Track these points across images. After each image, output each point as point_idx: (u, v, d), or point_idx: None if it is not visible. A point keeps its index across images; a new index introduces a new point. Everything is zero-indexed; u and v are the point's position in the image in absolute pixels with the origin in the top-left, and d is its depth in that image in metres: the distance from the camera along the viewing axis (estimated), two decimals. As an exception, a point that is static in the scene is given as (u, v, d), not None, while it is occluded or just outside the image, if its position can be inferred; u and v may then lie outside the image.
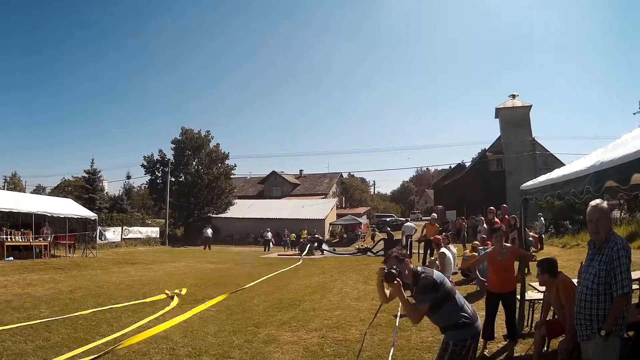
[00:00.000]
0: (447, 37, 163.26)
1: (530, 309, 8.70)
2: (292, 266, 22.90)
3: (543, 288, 7.15)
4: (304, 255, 29.21)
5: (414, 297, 4.67)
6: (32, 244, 24.63)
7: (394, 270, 4.51)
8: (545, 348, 6.65)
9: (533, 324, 8.11)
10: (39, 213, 25.02)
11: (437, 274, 4.64)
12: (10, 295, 13.19)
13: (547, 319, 6.92)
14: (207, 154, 53.73)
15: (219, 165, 54.30)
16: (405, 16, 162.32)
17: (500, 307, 7.59)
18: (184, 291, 11.79)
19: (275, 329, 9.47)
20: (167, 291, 13.29)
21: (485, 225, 20.87)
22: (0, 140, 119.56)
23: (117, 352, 7.57)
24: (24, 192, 55.92)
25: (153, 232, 45.54)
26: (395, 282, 4.48)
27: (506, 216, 17.32)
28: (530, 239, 17.64)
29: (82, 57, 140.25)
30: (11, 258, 22.60)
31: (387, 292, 4.73)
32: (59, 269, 19.97)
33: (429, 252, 19.09)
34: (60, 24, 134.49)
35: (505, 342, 7.60)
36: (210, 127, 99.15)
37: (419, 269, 4.68)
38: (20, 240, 24.49)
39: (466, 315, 4.56)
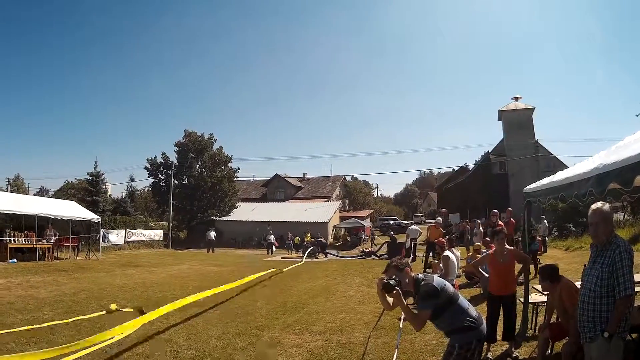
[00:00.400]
0: (451, 40, 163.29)
1: (534, 311, 8.69)
2: (293, 266, 23.01)
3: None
4: (305, 259, 29.23)
5: (416, 304, 4.71)
6: (35, 246, 24.60)
7: (392, 281, 4.56)
8: (549, 351, 6.63)
9: (537, 327, 8.13)
10: (42, 215, 25.05)
11: (437, 280, 4.67)
12: (14, 297, 13.23)
13: (551, 321, 6.94)
14: (211, 156, 53.88)
15: (222, 168, 54.40)
16: (408, 20, 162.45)
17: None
18: (113, 307, 11.51)
19: (279, 332, 9.52)
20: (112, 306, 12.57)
21: (481, 228, 20.94)
22: (2, 142, 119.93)
23: (120, 354, 7.60)
24: (27, 194, 55.69)
25: (156, 234, 45.42)
26: (394, 291, 4.52)
27: (512, 219, 17.34)
28: (536, 243, 17.61)
29: (84, 59, 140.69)
30: (14, 260, 22.56)
31: (390, 300, 4.75)
32: (62, 271, 19.91)
33: (431, 254, 19.07)
34: (64, 24, 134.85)
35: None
36: (213, 130, 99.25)
37: (420, 276, 4.72)
38: (24, 242, 24.55)
39: (471, 318, 4.59)
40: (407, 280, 4.64)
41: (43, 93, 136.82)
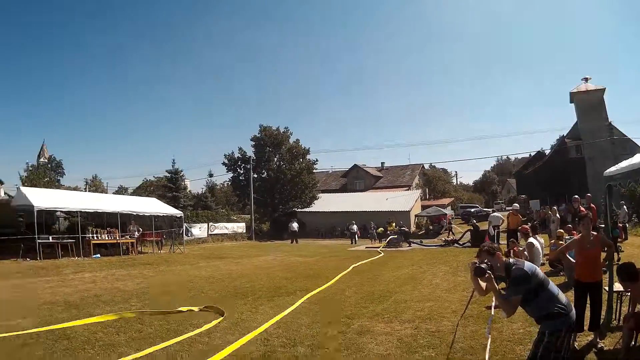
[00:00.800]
0: (522, 27, 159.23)
1: (618, 300, 8.49)
2: (374, 258, 23.43)
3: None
4: (383, 247, 29.77)
5: (507, 289, 4.82)
6: (118, 241, 25.81)
7: (484, 265, 4.69)
8: (634, 342, 6.60)
9: (621, 317, 8.04)
10: (124, 212, 26.46)
11: (528, 265, 4.74)
12: (100, 290, 13.82)
13: (636, 311, 6.89)
14: (288, 150, 54.45)
15: (301, 160, 54.94)
16: (481, 11, 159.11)
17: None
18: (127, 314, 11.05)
19: (368, 320, 9.53)
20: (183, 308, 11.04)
21: (557, 215, 20.60)
22: (80, 143, 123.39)
23: (210, 342, 7.89)
24: (106, 193, 57.44)
25: (239, 227, 46.69)
26: (486, 275, 4.65)
27: (592, 205, 17.07)
28: (617, 229, 17.27)
29: (155, 58, 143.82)
30: (98, 255, 23.68)
31: (483, 285, 4.89)
32: (147, 265, 20.74)
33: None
34: (146, 23, 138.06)
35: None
36: (288, 123, 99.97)
37: (511, 261, 4.82)
38: (107, 238, 25.72)
39: (561, 304, 4.65)
40: (498, 264, 4.77)
41: (119, 96, 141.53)
